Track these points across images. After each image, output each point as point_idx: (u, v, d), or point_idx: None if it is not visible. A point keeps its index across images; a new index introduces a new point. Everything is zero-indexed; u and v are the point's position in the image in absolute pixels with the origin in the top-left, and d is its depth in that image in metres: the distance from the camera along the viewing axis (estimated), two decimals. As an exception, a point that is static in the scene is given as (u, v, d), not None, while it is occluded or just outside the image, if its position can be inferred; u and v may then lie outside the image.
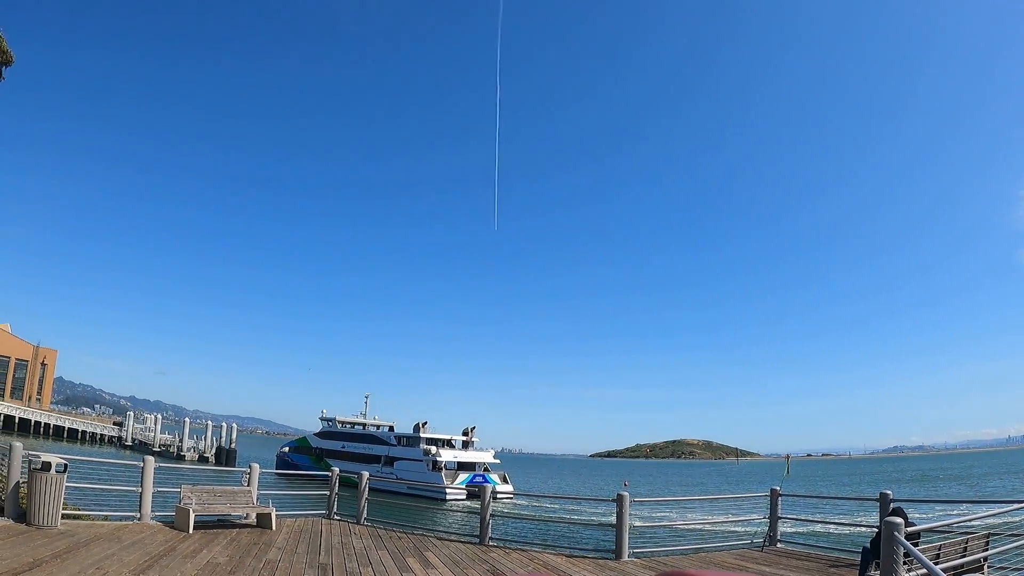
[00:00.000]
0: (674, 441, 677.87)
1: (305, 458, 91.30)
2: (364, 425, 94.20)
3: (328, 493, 22.22)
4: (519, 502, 56.71)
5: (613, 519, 16.82)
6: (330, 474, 22.96)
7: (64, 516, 15.77)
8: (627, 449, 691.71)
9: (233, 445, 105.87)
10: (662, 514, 43.75)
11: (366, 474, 22.31)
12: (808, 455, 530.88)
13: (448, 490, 66.94)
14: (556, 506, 55.70)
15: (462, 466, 76.88)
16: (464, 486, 69.50)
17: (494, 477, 74.91)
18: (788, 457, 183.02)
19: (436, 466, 74.30)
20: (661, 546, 18.88)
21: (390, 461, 78.90)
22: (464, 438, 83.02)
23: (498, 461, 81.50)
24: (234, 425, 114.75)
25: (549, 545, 18.80)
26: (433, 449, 76.32)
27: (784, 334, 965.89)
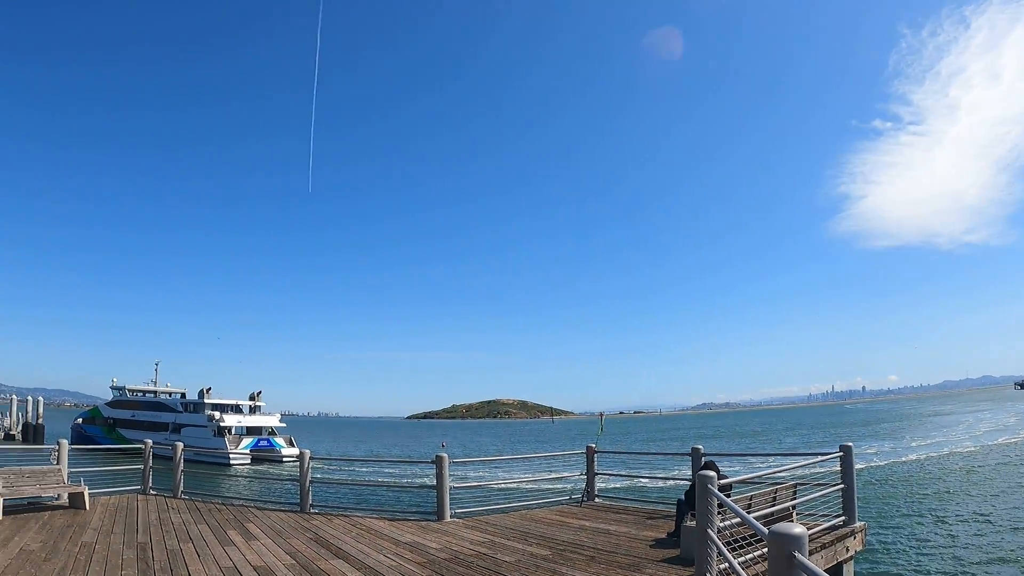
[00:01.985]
0: (490, 401, 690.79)
1: (98, 429, 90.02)
2: (156, 393, 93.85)
3: (142, 467, 21.61)
4: (339, 468, 56.96)
5: (434, 481, 17.15)
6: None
7: None
8: (443, 410, 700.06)
9: (40, 420, 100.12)
10: (482, 474, 44.70)
11: (180, 445, 21.84)
12: (620, 413, 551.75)
13: (231, 455, 67.93)
14: (374, 470, 55.92)
15: (250, 431, 77.99)
16: (248, 450, 71.28)
17: (279, 441, 76.94)
18: (602, 415, 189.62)
19: (220, 431, 74.88)
20: (482, 505, 19.31)
21: (177, 428, 78.67)
22: (251, 403, 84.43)
23: (284, 425, 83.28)
24: (40, 398, 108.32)
25: (371, 510, 18.96)
26: (217, 415, 77.18)
27: (596, 294, 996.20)
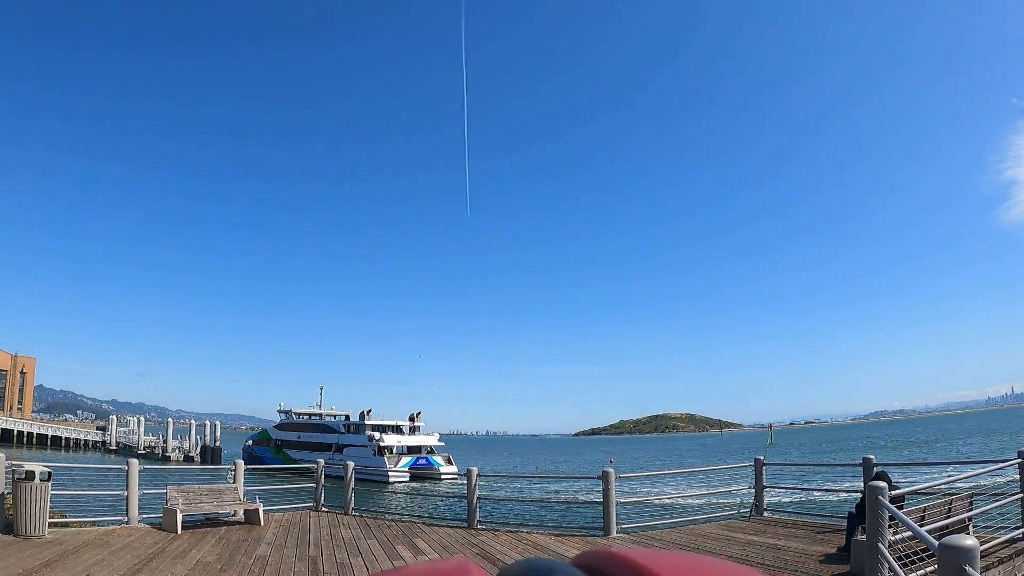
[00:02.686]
0: (657, 416, 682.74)
1: (267, 450, 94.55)
2: (321, 416, 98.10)
3: (315, 485, 22.25)
4: (505, 484, 57.46)
5: (600, 497, 16.93)
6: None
7: (51, 524, 15.87)
8: (611, 426, 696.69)
9: (218, 443, 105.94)
10: (648, 489, 44.06)
11: (351, 464, 22.40)
12: (791, 424, 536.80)
13: (391, 473, 69.47)
14: (540, 487, 56.11)
15: (409, 450, 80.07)
16: (407, 468, 72.85)
17: (438, 459, 78.36)
18: (771, 427, 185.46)
19: (380, 451, 77.02)
20: (648, 520, 18.97)
21: (340, 448, 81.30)
22: (411, 424, 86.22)
23: (443, 444, 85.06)
24: (217, 423, 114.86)
25: (538, 525, 18.93)
26: (377, 435, 79.53)
27: (765, 300, 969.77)
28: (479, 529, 18.04)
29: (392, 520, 20.04)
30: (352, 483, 21.93)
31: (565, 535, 16.97)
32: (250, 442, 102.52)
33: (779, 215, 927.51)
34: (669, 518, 18.94)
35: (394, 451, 78.63)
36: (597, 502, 17.15)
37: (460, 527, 18.43)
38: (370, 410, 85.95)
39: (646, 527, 18.12)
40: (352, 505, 21.54)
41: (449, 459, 79.60)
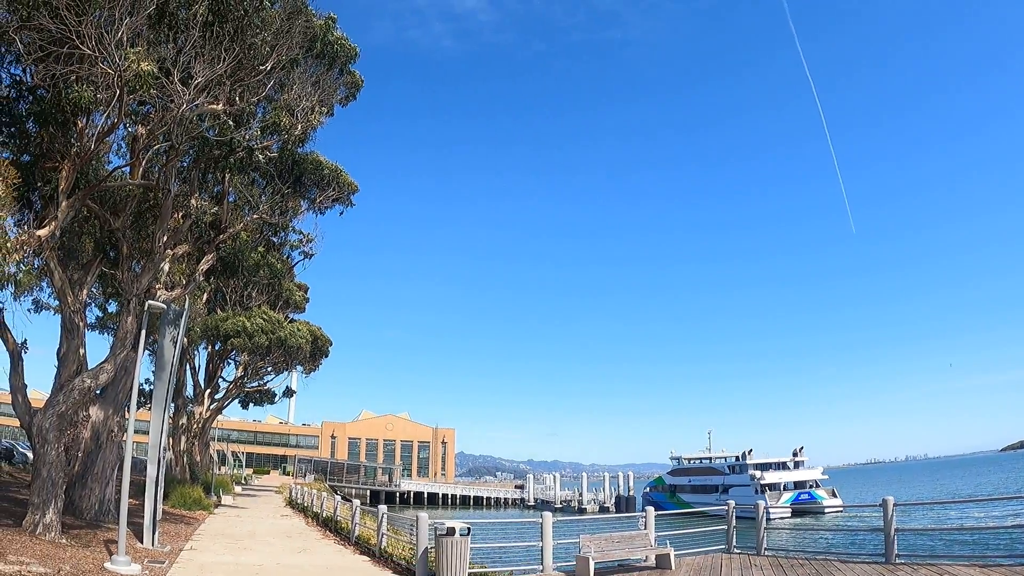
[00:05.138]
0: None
1: (662, 495, 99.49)
2: (711, 459, 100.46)
3: (726, 527, 21.95)
4: (928, 513, 53.53)
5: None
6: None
7: (471, 574, 17.10)
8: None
9: (631, 492, 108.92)
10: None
11: (762, 504, 21.94)
12: None
13: (771, 509, 68.27)
14: (963, 513, 51.53)
15: (795, 485, 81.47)
16: (789, 504, 75.28)
17: (820, 493, 79.65)
18: None
19: (762, 488, 79.05)
20: None
21: (725, 489, 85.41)
22: (793, 459, 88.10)
23: (826, 477, 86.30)
24: (630, 473, 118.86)
25: (960, 557, 17.29)
26: (759, 473, 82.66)
27: None
28: (898, 564, 17.17)
29: (807, 558, 19.28)
30: (764, 523, 21.53)
31: (992, 565, 15.32)
32: (647, 489, 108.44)
33: None
34: None
35: (774, 488, 80.00)
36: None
37: (877, 562, 17.68)
38: (751, 449, 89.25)
39: None
40: (765, 545, 20.99)
41: (833, 492, 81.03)
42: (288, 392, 71.46)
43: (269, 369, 52.63)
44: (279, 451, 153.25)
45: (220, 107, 19.83)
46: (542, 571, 18.80)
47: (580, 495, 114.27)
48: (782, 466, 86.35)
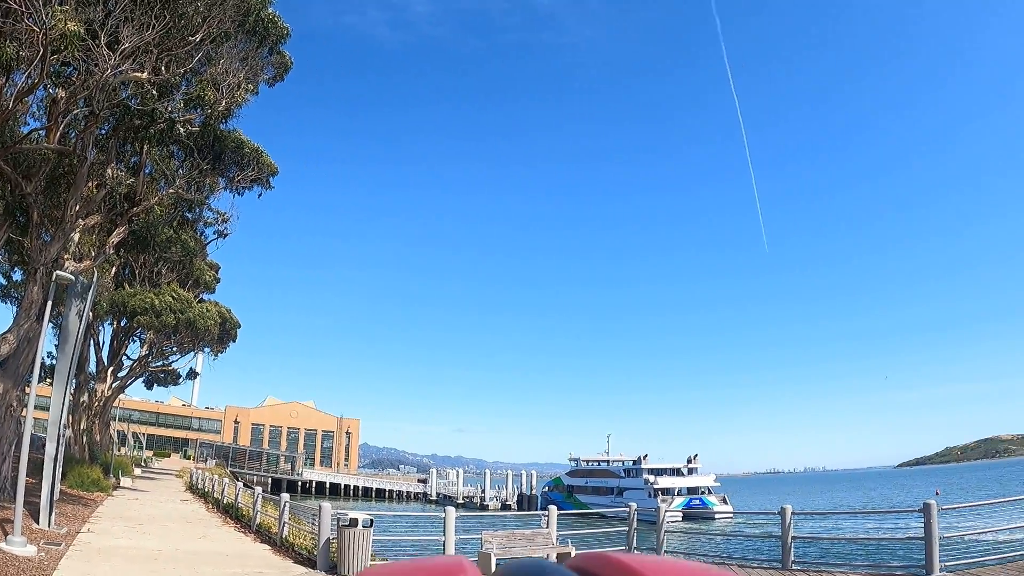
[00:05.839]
0: (985, 440, 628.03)
1: (560, 495, 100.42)
2: (608, 462, 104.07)
3: (626, 529, 22.35)
4: (822, 523, 55.39)
5: (921, 532, 15.70)
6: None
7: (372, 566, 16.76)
8: (936, 454, 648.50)
9: (534, 491, 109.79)
10: (974, 522, 40.35)
11: (663, 508, 22.55)
12: None
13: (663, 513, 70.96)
14: (856, 524, 53.42)
15: (689, 491, 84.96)
16: (680, 509, 76.52)
17: (712, 499, 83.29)
18: None
19: (655, 493, 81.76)
20: (975, 556, 17.33)
21: (620, 492, 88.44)
22: (687, 466, 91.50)
23: (719, 484, 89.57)
24: (533, 472, 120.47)
25: (854, 565, 17.96)
26: (652, 478, 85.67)
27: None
28: (794, 570, 17.84)
29: (707, 562, 19.53)
30: (665, 526, 22.00)
31: (885, 574, 15.87)
32: (546, 488, 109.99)
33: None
34: (1001, 552, 17.56)
35: (667, 493, 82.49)
36: (920, 538, 15.92)
37: (775, 567, 18.32)
38: (647, 455, 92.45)
39: (973, 564, 16.90)
40: (665, 547, 21.47)
41: (724, 499, 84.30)
42: (192, 374, 70.07)
43: (175, 349, 51.55)
44: (181, 434, 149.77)
45: (145, 76, 19.31)
46: None
47: (483, 492, 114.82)
48: (676, 472, 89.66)
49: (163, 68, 20.18)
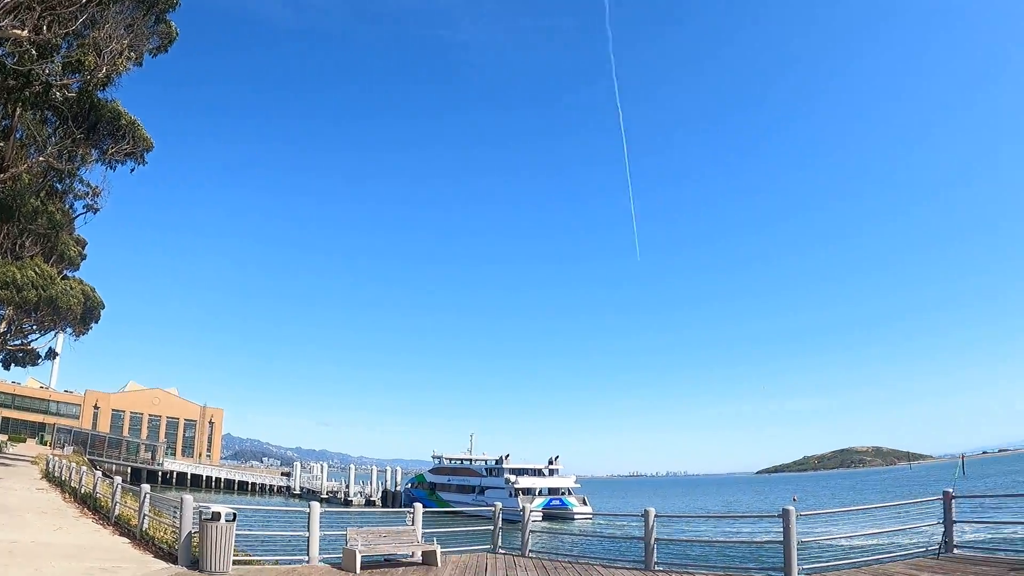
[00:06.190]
0: (842, 450, 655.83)
1: (422, 492, 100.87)
2: (471, 460, 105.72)
3: (491, 528, 22.27)
4: (685, 527, 56.99)
5: (781, 536, 16.13)
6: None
7: (235, 562, 17.01)
8: (794, 463, 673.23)
9: (399, 487, 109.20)
10: (830, 527, 42.08)
11: (528, 507, 22.51)
12: (983, 452, 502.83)
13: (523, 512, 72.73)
14: (718, 528, 55.27)
15: (550, 491, 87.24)
16: (540, 508, 77.55)
17: (571, 500, 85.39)
18: (962, 457, 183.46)
19: (515, 492, 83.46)
20: (831, 560, 18.01)
21: (481, 490, 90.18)
22: (548, 467, 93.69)
23: (578, 485, 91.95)
24: (399, 468, 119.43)
25: (715, 567, 18.33)
26: (513, 477, 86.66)
27: (950, 322, 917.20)
28: (657, 571, 18.12)
29: (569, 562, 19.96)
30: (530, 525, 22.19)
31: None
32: (409, 485, 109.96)
33: (969, 231, 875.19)
34: (852, 557, 18.62)
35: (528, 493, 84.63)
36: (779, 542, 16.35)
37: (638, 568, 18.57)
38: (508, 455, 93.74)
39: (829, 567, 17.91)
40: (529, 547, 21.44)
41: (584, 500, 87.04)
42: (52, 354, 67.20)
43: (35, 327, 49.40)
44: (38, 418, 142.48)
45: (25, 34, 18.29)
46: (308, 562, 18.48)
47: (347, 487, 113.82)
48: (537, 472, 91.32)
49: (45, 27, 19.18)
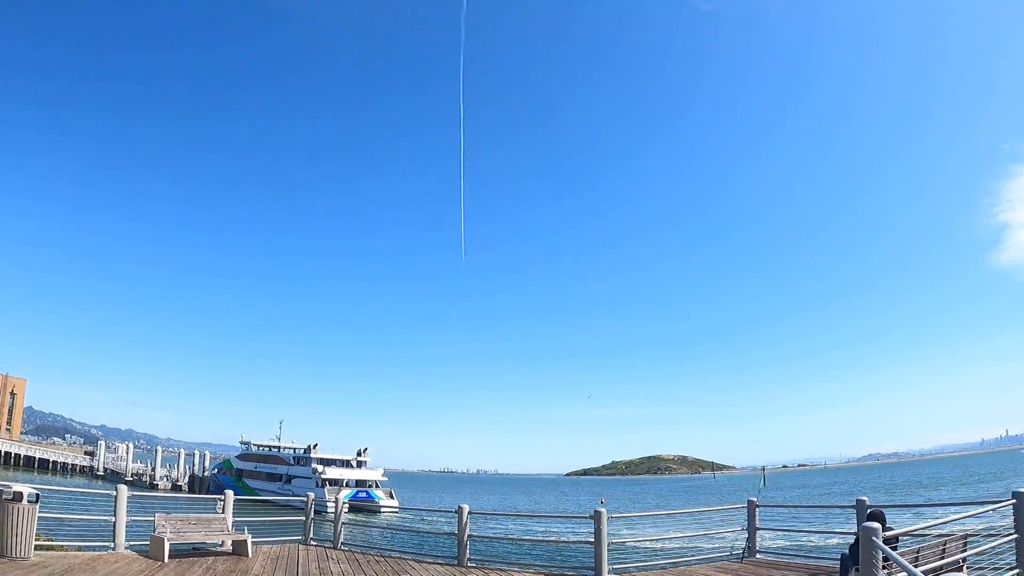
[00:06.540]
0: (650, 457, 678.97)
1: (229, 479, 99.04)
2: (280, 448, 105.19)
3: (304, 518, 22.38)
4: (497, 524, 58.09)
5: (591, 537, 16.90)
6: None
7: (37, 547, 15.96)
8: (603, 467, 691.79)
9: (207, 472, 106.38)
10: (638, 530, 43.95)
11: (340, 498, 22.68)
12: (784, 466, 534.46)
13: (329, 504, 73.05)
14: (528, 527, 56.54)
15: (357, 483, 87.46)
16: (347, 500, 76.32)
17: (378, 493, 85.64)
18: (764, 469, 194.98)
19: (322, 483, 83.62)
20: (639, 562, 19.03)
21: (288, 479, 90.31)
22: (357, 458, 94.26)
23: (386, 479, 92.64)
24: (207, 453, 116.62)
25: (528, 565, 18.93)
26: (321, 468, 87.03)
27: (756, 343, 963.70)
28: (469, 567, 18.18)
29: (381, 555, 20.07)
30: (342, 517, 22.23)
31: (556, 574, 17.00)
32: (215, 470, 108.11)
33: (769, 259, 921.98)
34: (660, 559, 19.20)
35: (335, 483, 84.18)
36: (589, 543, 17.10)
37: (450, 564, 18.60)
38: (316, 444, 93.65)
39: (638, 568, 18.35)
40: (341, 540, 21.62)
41: (391, 493, 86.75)
42: None
43: None
44: None
45: None
46: (114, 549, 17.53)
47: (153, 470, 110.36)
48: (345, 464, 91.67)
49: None
